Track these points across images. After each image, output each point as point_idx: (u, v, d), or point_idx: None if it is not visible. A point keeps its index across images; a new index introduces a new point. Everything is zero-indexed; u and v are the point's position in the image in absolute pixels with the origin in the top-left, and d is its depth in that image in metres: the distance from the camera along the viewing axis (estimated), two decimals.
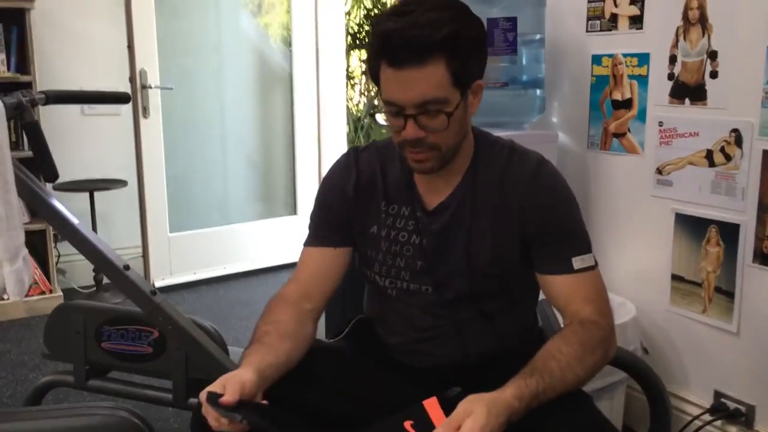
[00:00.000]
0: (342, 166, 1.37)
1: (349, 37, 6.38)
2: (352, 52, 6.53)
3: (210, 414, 1.03)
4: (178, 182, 3.75)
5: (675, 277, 1.99)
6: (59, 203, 1.56)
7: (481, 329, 1.29)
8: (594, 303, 1.22)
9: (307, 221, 1.37)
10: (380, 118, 1.23)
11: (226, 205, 4.12)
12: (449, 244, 1.27)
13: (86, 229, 1.56)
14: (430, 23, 1.11)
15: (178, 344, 1.68)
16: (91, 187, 3.39)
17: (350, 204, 1.33)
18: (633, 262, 2.12)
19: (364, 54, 6.59)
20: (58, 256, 3.56)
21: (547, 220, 1.23)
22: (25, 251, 1.43)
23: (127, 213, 3.67)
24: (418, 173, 1.27)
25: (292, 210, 4.21)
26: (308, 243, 1.37)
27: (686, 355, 2.01)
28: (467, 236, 1.25)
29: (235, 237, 3.95)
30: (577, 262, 1.22)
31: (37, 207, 1.54)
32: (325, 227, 1.35)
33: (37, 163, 1.51)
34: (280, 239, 4.01)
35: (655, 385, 1.53)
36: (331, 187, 1.36)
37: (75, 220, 1.55)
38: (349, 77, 6.44)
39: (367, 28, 6.15)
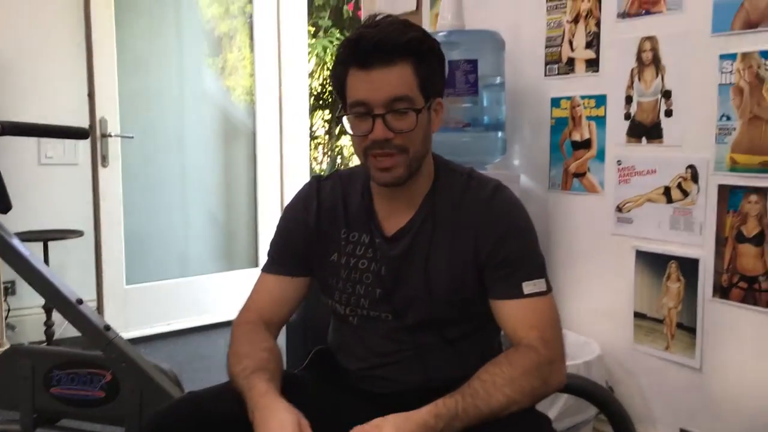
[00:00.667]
0: (303, 196, 1.38)
1: (312, 98, 6.47)
2: (315, 112, 6.62)
3: None
4: (136, 233, 3.68)
5: (637, 315, 2.00)
6: (10, 233, 1.51)
7: (443, 355, 1.27)
8: (538, 329, 1.20)
9: None
10: (346, 123, 1.23)
11: (186, 256, 4.05)
12: (408, 270, 1.26)
13: (38, 261, 1.50)
14: (396, 30, 1.19)
15: (132, 383, 1.61)
16: (46, 237, 3.30)
17: (311, 233, 1.33)
18: (596, 300, 2.12)
19: (327, 114, 6.70)
20: (8, 309, 3.43)
21: (500, 245, 1.23)
22: None
23: (83, 264, 3.56)
24: (384, 184, 1.25)
25: (254, 263, 4.15)
26: (266, 269, 1.36)
27: (651, 392, 1.99)
28: (426, 262, 1.24)
29: (194, 290, 3.86)
30: (528, 287, 1.21)
31: None
32: (284, 256, 1.35)
33: None
34: (241, 292, 3.90)
35: (624, 421, 1.50)
36: (293, 216, 1.37)
37: (26, 252, 1.49)
38: (313, 137, 6.50)
39: (330, 88, 6.24)
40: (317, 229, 1.33)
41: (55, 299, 1.51)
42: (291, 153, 4.32)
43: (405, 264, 1.26)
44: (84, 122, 3.32)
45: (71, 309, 1.51)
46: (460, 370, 1.28)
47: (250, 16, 4.11)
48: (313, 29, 6.17)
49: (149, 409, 1.70)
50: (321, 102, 6.72)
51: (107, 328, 1.54)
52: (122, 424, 1.76)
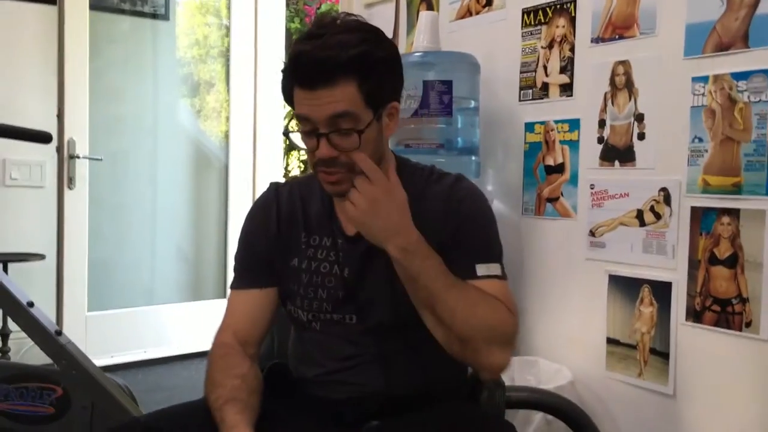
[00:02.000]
0: (262, 203, 1.36)
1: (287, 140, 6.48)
2: (291, 152, 6.61)
3: None
4: (100, 259, 3.59)
5: (610, 341, 1.96)
6: None
7: (405, 360, 1.24)
8: (500, 299, 1.18)
9: None
10: (296, 138, 1.21)
11: (151, 285, 3.95)
12: (372, 270, 1.24)
13: None
14: (338, 44, 1.14)
15: (83, 395, 1.53)
16: (6, 258, 3.20)
17: (272, 239, 1.31)
18: (568, 326, 2.08)
19: (303, 155, 6.70)
20: None
21: (456, 229, 1.22)
22: None
23: (43, 289, 3.45)
24: (333, 195, 1.25)
25: (221, 294, 4.06)
26: (235, 285, 1.33)
27: (624, 421, 1.94)
28: (389, 261, 1.20)
29: (158, 319, 3.76)
30: (481, 269, 1.20)
31: None
32: (250, 268, 1.33)
33: None
34: (208, 323, 3.80)
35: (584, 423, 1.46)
36: (254, 225, 1.35)
37: None
38: (288, 176, 6.48)
39: None
40: (278, 235, 1.31)
41: (3, 300, 1.43)
42: (264, 188, 4.27)
43: (368, 264, 1.24)
44: (52, 143, 3.26)
45: (21, 311, 1.43)
46: (422, 379, 1.24)
47: (228, 58, 4.12)
48: None
49: (101, 428, 1.61)
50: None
51: (59, 332, 1.46)
52: None
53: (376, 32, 1.22)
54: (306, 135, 1.18)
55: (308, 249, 1.29)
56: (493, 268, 1.20)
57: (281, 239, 1.31)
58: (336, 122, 1.15)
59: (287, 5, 4.84)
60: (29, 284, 3.47)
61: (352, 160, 1.16)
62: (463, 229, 1.23)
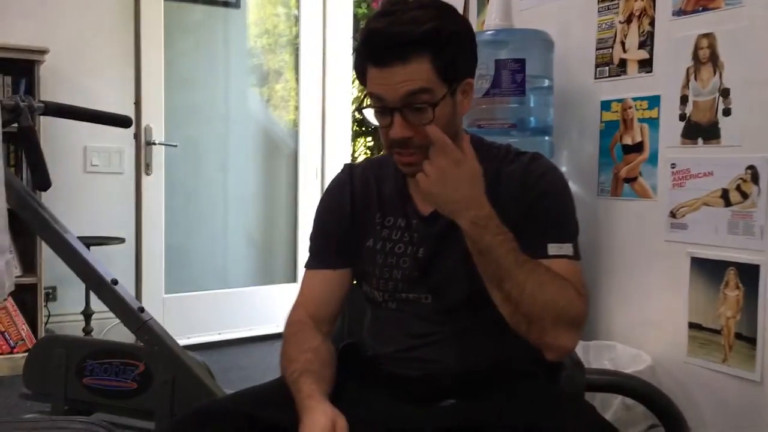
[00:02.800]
0: (337, 184, 1.37)
1: (356, 124, 6.50)
2: (358, 138, 6.64)
3: None
4: (176, 243, 3.69)
5: (692, 326, 1.89)
6: (49, 213, 1.49)
7: (480, 339, 1.22)
8: (570, 280, 1.14)
9: None
10: (369, 114, 1.20)
11: (225, 269, 4.04)
12: (447, 250, 1.22)
13: (76, 242, 1.48)
14: (412, 20, 1.12)
15: (164, 370, 1.57)
16: (88, 242, 3.30)
17: (347, 219, 1.31)
18: (647, 311, 2.02)
19: (369, 141, 6.72)
20: (48, 315, 3.45)
21: (531, 206, 1.19)
22: (9, 256, 1.35)
23: (123, 272, 3.55)
24: (408, 176, 1.24)
25: (292, 278, 4.11)
26: (309, 265, 1.34)
27: (707, 409, 1.87)
28: (464, 240, 1.17)
29: (232, 302, 3.84)
30: (553, 249, 1.16)
31: (25, 214, 1.47)
32: (324, 250, 1.33)
33: (30, 170, 1.45)
34: (279, 307, 3.87)
35: (678, 422, 1.41)
36: (328, 206, 1.36)
37: (66, 232, 1.47)
38: (355, 162, 6.51)
39: None
40: (353, 215, 1.31)
41: (90, 279, 1.48)
42: (332, 175, 4.31)
43: (444, 244, 1.22)
44: (130, 130, 3.35)
45: (106, 289, 1.48)
46: (497, 358, 1.22)
47: (297, 47, 4.15)
48: None
49: (181, 403, 1.66)
50: (364, 128, 6.75)
51: (141, 309, 1.51)
52: (152, 419, 1.72)
53: (449, 8, 1.20)
54: (380, 113, 1.17)
55: (383, 230, 1.29)
56: (566, 248, 1.16)
57: (355, 220, 1.31)
58: (409, 99, 1.13)
59: None
60: (110, 267, 3.58)
61: (426, 141, 1.14)
62: (537, 206, 1.19)
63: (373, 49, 1.14)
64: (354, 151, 6.28)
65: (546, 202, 1.20)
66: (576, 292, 1.13)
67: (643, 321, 2.03)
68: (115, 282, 1.49)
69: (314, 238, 1.36)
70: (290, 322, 1.29)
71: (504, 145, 1.31)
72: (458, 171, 1.11)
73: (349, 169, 1.36)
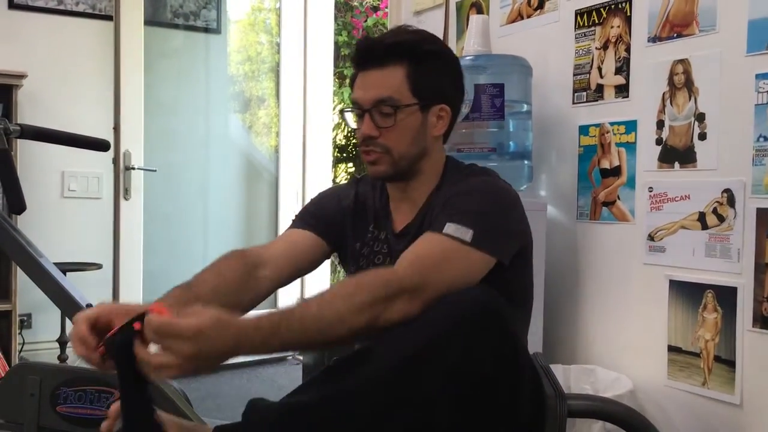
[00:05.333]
0: (343, 186, 1.50)
1: (337, 150, 6.52)
2: (339, 164, 6.65)
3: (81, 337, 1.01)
4: (155, 268, 3.65)
5: (672, 349, 1.89)
6: (24, 237, 1.47)
7: None
8: (418, 258, 1.13)
9: None
10: (349, 117, 1.34)
11: None
12: None
13: (51, 266, 1.46)
14: (394, 33, 1.32)
15: None
16: (64, 268, 3.27)
17: (345, 214, 1.41)
18: (627, 334, 2.02)
19: (351, 167, 6.75)
20: (23, 343, 3.39)
21: (446, 201, 1.25)
22: None
23: (100, 298, 3.47)
24: (372, 177, 1.36)
25: (273, 304, 4.08)
26: (292, 226, 1.41)
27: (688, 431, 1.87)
28: None
29: None
30: (450, 228, 1.17)
31: None
32: (314, 217, 1.41)
33: (5, 193, 1.43)
34: None
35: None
36: (330, 195, 1.46)
37: (40, 256, 1.45)
38: None
39: (354, 140, 6.29)
40: (352, 214, 1.40)
41: (64, 304, 1.45)
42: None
43: None
44: (108, 155, 3.33)
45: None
46: None
47: (278, 74, 4.17)
48: (338, 80, 6.25)
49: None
50: (345, 154, 6.77)
51: None
52: None
53: (435, 37, 1.33)
54: (356, 115, 1.30)
55: (371, 239, 1.39)
56: (463, 232, 1.16)
57: (353, 221, 1.40)
58: (379, 103, 1.25)
59: (335, 19, 4.89)
60: (86, 293, 3.53)
61: (389, 143, 1.26)
62: (450, 199, 1.25)
63: (357, 54, 1.29)
64: (335, 177, 6.29)
65: (459, 196, 1.26)
66: (386, 285, 1.07)
67: (623, 344, 2.03)
68: (89, 306, 1.46)
69: (305, 208, 1.45)
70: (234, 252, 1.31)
71: (470, 165, 1.40)
72: (193, 342, 0.94)
73: (356, 180, 1.48)
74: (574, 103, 2.16)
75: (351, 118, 1.34)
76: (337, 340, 1.04)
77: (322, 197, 1.45)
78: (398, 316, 1.07)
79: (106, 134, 3.34)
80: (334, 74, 5.26)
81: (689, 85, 1.84)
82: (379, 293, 1.06)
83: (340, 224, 1.40)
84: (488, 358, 1.02)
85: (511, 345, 1.06)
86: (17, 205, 1.41)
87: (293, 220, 1.43)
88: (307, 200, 4.31)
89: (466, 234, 1.16)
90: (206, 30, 3.95)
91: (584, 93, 2.13)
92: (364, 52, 1.28)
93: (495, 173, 1.38)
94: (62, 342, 3.28)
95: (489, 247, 1.18)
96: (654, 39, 1.93)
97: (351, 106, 1.32)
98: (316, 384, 1.34)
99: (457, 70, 1.33)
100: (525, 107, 2.16)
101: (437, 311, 1.06)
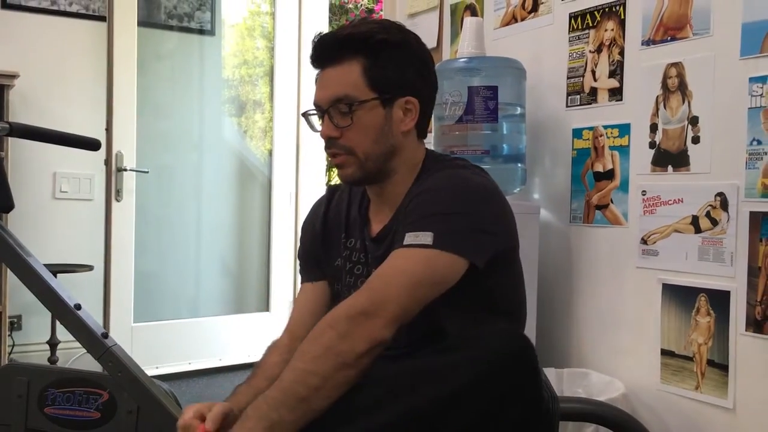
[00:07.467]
0: (315, 204, 1.44)
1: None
2: (332, 168, 6.64)
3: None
4: (146, 270, 3.63)
5: (665, 352, 1.89)
6: (13, 236, 1.45)
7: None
8: (378, 278, 1.10)
9: (280, 320, 1.46)
10: (314, 119, 1.26)
11: (196, 297, 3.97)
12: None
13: (40, 266, 1.44)
14: (351, 25, 1.22)
15: (128, 396, 1.52)
16: (55, 270, 3.24)
17: (318, 237, 1.37)
18: (620, 338, 2.02)
19: None
20: (12, 345, 3.37)
21: (410, 203, 1.20)
22: None
23: (91, 300, 3.48)
24: (343, 182, 1.29)
25: (265, 307, 4.06)
26: (301, 279, 1.43)
27: None
28: None
29: (202, 331, 3.77)
30: (409, 238, 1.12)
31: None
32: (305, 264, 1.41)
33: None
34: (251, 336, 3.83)
35: None
36: (305, 225, 1.43)
37: (29, 255, 1.44)
38: None
39: None
40: (323, 235, 1.36)
41: (52, 303, 1.44)
42: (307, 204, 4.29)
43: None
44: (100, 156, 3.31)
45: (69, 314, 1.43)
46: None
47: (272, 77, 4.15)
48: None
49: None
50: None
51: (105, 335, 1.46)
52: None
53: (393, 24, 1.23)
54: (319, 117, 1.24)
55: (345, 250, 1.33)
56: (423, 237, 1.11)
57: (325, 239, 1.36)
58: (337, 102, 1.19)
59: (329, 22, 4.88)
60: (77, 294, 3.47)
61: (350, 144, 1.19)
62: (412, 203, 1.19)
63: (313, 51, 1.21)
64: (329, 181, 6.28)
65: (422, 196, 1.19)
66: (343, 321, 1.05)
67: (616, 348, 2.02)
68: (78, 307, 1.45)
69: (299, 253, 1.44)
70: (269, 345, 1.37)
71: (449, 160, 1.31)
72: None
73: (330, 191, 1.41)
74: (567, 106, 2.16)
75: (316, 120, 1.26)
76: (322, 394, 1.03)
77: (304, 233, 1.40)
78: (367, 343, 1.04)
79: (99, 135, 3.33)
80: None
81: (683, 88, 1.84)
82: (330, 332, 1.06)
83: (320, 251, 1.36)
84: (518, 402, 1.05)
85: (537, 386, 1.08)
86: (5, 202, 1.40)
87: (300, 272, 1.42)
88: (301, 203, 4.29)
89: (427, 238, 1.11)
90: (200, 32, 3.94)
91: (578, 96, 2.13)
92: (319, 49, 1.20)
93: (477, 167, 1.28)
94: (52, 344, 3.25)
95: (453, 247, 1.11)
96: (648, 42, 1.93)
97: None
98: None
99: (422, 59, 1.22)
100: (519, 110, 2.16)
101: (473, 351, 1.05)
